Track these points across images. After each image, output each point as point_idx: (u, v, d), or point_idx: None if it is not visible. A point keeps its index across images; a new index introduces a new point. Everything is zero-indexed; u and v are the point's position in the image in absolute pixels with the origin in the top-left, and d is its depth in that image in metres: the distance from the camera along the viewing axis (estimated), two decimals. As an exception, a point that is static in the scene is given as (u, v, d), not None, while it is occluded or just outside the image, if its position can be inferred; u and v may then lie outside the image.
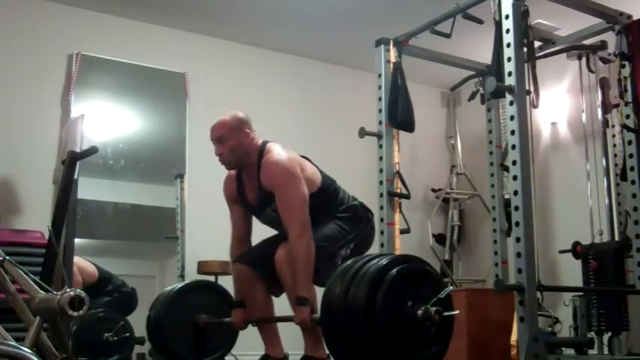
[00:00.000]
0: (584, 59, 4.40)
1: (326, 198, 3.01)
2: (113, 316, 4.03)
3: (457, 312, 2.31)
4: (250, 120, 3.06)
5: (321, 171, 3.09)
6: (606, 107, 4.31)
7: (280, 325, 3.12)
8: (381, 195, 3.63)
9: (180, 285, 3.62)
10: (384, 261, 2.26)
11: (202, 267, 4.53)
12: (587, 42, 4.04)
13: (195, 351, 3.43)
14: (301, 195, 2.85)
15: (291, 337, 3.09)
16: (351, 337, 2.20)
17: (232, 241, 3.14)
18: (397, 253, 3.47)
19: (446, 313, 2.21)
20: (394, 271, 2.21)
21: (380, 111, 3.76)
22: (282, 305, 3.07)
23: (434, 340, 2.24)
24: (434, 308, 2.18)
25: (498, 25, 3.15)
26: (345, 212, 3.05)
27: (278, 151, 2.95)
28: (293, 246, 2.78)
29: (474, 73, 4.31)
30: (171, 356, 3.50)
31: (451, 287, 2.35)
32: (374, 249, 3.27)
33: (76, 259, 4.04)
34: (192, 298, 3.49)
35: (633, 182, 3.42)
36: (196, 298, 3.51)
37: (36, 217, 4.16)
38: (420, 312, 2.18)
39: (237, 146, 2.97)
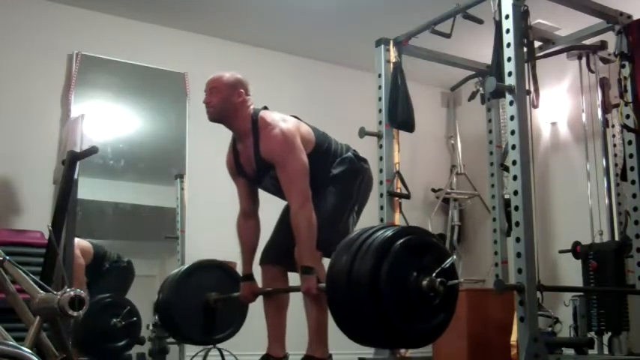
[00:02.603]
0: (584, 59, 4.40)
1: (321, 155, 3.01)
2: (119, 301, 4.11)
3: (461, 280, 2.33)
4: (249, 85, 3.05)
5: (313, 128, 3.09)
6: (606, 107, 4.31)
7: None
8: (381, 195, 3.63)
9: (186, 266, 3.63)
10: (390, 232, 2.26)
11: (202, 267, 4.53)
12: (587, 42, 4.04)
13: (205, 329, 3.46)
14: (302, 165, 2.88)
15: (292, 338, 3.09)
16: (356, 308, 2.21)
17: (239, 214, 3.16)
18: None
19: (450, 283, 2.23)
20: (399, 242, 2.21)
21: (380, 111, 3.75)
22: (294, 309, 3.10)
23: (438, 310, 2.27)
24: (438, 279, 2.20)
25: (498, 25, 3.15)
26: (341, 165, 3.04)
27: (276, 122, 2.94)
28: (295, 217, 2.82)
29: (474, 73, 4.31)
30: (183, 336, 3.56)
31: (454, 257, 2.37)
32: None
33: (75, 240, 4.09)
34: (200, 278, 3.51)
35: (633, 182, 3.42)
36: (204, 277, 3.52)
37: (36, 217, 4.17)
38: (424, 283, 2.20)
39: (226, 100, 2.97)
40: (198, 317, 3.43)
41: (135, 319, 4.09)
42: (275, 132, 2.90)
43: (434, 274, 2.20)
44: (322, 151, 3.04)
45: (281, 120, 2.97)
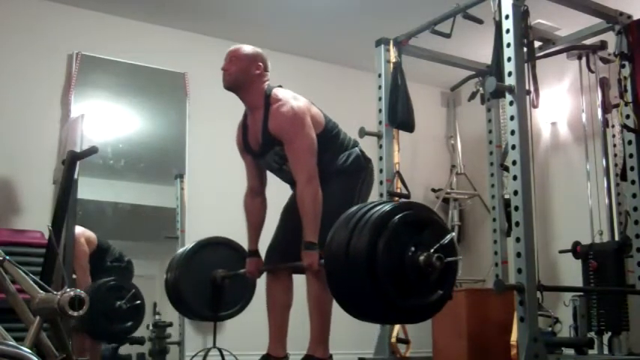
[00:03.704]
0: (584, 59, 4.39)
1: (329, 140, 3.01)
2: (124, 285, 4.14)
3: (460, 257, 2.33)
4: (268, 61, 3.07)
5: (324, 114, 3.10)
6: (606, 107, 4.31)
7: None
8: (381, 195, 3.63)
9: (192, 244, 3.66)
10: (388, 207, 2.27)
11: (202, 267, 4.54)
12: (587, 42, 4.04)
13: (213, 306, 3.50)
14: (310, 142, 2.89)
15: (292, 338, 3.09)
16: (353, 282, 2.22)
17: (246, 192, 3.17)
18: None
19: (448, 259, 2.23)
20: (397, 217, 2.22)
21: (380, 111, 3.76)
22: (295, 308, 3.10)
23: (436, 287, 2.27)
24: (436, 254, 2.20)
25: (498, 25, 3.15)
26: (347, 160, 3.04)
27: (288, 99, 2.95)
28: (301, 193, 2.83)
29: (474, 73, 4.31)
30: (193, 313, 3.62)
31: (454, 234, 2.36)
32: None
33: (81, 229, 4.17)
34: (207, 255, 3.55)
35: (633, 182, 3.42)
36: (211, 254, 3.56)
37: (36, 217, 4.17)
38: (421, 258, 2.20)
39: (244, 70, 2.99)
40: (207, 294, 3.47)
41: (139, 302, 4.12)
42: (285, 108, 2.91)
43: (432, 250, 2.20)
44: (330, 136, 3.03)
45: (292, 97, 2.98)
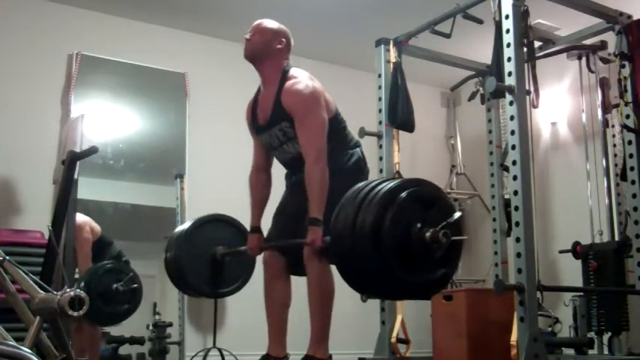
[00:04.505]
0: (584, 59, 4.40)
1: (336, 130, 3.01)
2: (122, 268, 4.17)
3: (465, 237, 2.36)
4: (292, 40, 3.10)
5: (335, 105, 3.11)
6: (606, 107, 4.31)
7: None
8: (381, 195, 3.62)
9: (191, 221, 3.68)
10: (396, 183, 2.29)
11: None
12: (587, 42, 4.04)
13: (213, 282, 3.52)
14: (322, 121, 2.90)
15: (293, 338, 3.09)
16: (359, 256, 2.23)
17: (252, 169, 3.18)
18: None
19: (454, 238, 2.24)
20: (405, 193, 2.24)
21: (380, 111, 3.76)
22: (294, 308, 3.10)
23: (440, 264, 2.28)
24: (442, 231, 2.20)
25: (498, 25, 3.15)
26: (349, 160, 3.05)
27: (305, 77, 2.97)
28: (309, 171, 2.83)
29: (474, 73, 4.31)
30: (193, 289, 3.63)
31: (460, 213, 2.38)
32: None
33: (87, 218, 4.23)
34: (208, 232, 3.57)
35: (633, 182, 3.42)
36: (211, 231, 3.58)
37: (36, 217, 4.17)
38: (428, 234, 2.22)
39: (266, 43, 3.02)
40: (207, 271, 3.49)
41: (136, 285, 4.12)
42: (302, 85, 2.93)
43: (438, 227, 2.21)
44: (338, 127, 3.04)
45: (309, 77, 3.00)
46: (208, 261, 3.49)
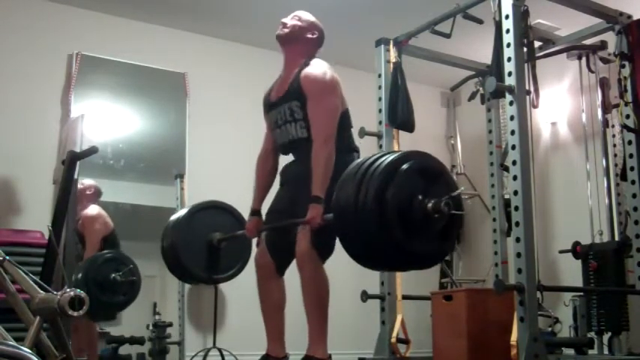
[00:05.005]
0: (584, 59, 4.40)
1: (342, 127, 3.04)
2: (121, 258, 4.15)
3: (465, 212, 2.40)
4: (324, 38, 3.18)
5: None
6: (606, 107, 4.31)
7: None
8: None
9: (189, 207, 3.69)
10: (399, 155, 2.34)
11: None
12: (587, 42, 4.04)
13: (210, 268, 3.52)
14: (335, 107, 2.96)
15: (293, 338, 3.09)
16: (361, 223, 2.26)
17: (260, 152, 3.22)
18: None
19: (454, 212, 2.29)
20: (408, 163, 2.29)
21: (380, 111, 3.76)
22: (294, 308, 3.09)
23: (439, 237, 2.33)
24: (444, 201, 2.26)
25: (498, 25, 3.15)
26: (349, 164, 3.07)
27: (327, 67, 3.04)
28: (316, 152, 2.87)
29: (474, 73, 4.31)
30: (190, 276, 3.63)
31: (462, 188, 2.41)
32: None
33: (103, 212, 4.29)
34: (204, 218, 3.57)
35: (633, 182, 3.42)
36: (208, 217, 3.58)
37: (36, 217, 4.17)
38: (430, 205, 2.26)
39: (301, 30, 3.12)
40: (204, 257, 3.49)
41: (135, 278, 4.11)
42: (322, 70, 2.99)
43: (441, 198, 2.26)
44: (345, 124, 3.06)
45: (330, 67, 3.05)
46: (205, 247, 3.49)
